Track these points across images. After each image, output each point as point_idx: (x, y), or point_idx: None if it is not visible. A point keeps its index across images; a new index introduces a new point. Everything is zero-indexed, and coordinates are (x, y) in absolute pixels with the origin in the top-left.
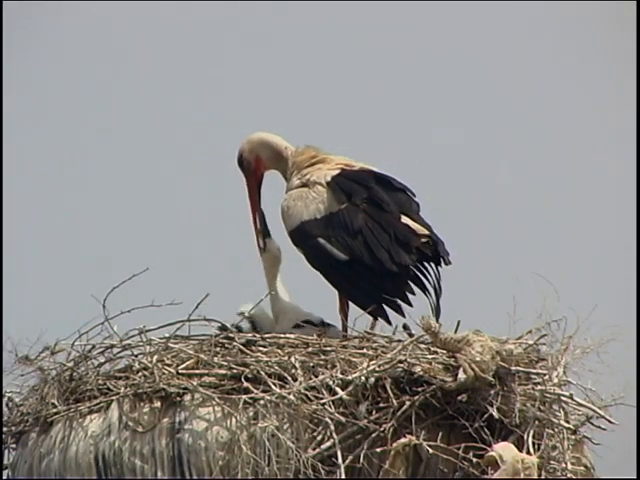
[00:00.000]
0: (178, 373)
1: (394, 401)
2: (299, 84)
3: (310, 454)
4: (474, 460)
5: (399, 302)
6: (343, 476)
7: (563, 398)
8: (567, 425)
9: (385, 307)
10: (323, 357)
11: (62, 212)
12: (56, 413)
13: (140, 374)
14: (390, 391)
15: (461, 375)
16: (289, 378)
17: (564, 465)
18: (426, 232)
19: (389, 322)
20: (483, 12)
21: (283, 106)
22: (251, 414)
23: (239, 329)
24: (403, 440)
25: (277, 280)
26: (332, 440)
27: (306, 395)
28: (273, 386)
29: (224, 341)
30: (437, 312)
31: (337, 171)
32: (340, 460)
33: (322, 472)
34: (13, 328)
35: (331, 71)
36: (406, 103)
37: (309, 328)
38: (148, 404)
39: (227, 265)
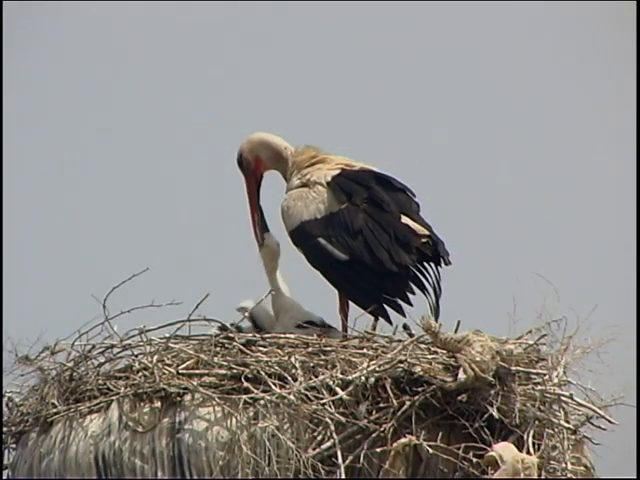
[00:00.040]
0: (178, 373)
1: (394, 401)
2: (299, 84)
3: (310, 454)
4: (474, 460)
5: (399, 302)
6: (343, 476)
7: (563, 398)
8: (567, 425)
9: (385, 307)
10: (323, 357)
11: (62, 212)
12: (56, 413)
13: (140, 374)
14: (390, 391)
15: (461, 375)
16: (289, 378)
17: (564, 465)
18: (426, 232)
19: (390, 322)
20: (483, 12)
21: (283, 106)
22: (251, 414)
23: (239, 329)
24: (403, 440)
25: (277, 274)
26: (332, 440)
27: (306, 395)
28: (273, 386)
29: (224, 341)
30: (436, 312)
31: (337, 171)
32: (340, 460)
33: (322, 472)
34: (13, 328)
35: (331, 71)
36: (406, 103)
37: (311, 329)
38: (148, 404)
39: (227, 265)
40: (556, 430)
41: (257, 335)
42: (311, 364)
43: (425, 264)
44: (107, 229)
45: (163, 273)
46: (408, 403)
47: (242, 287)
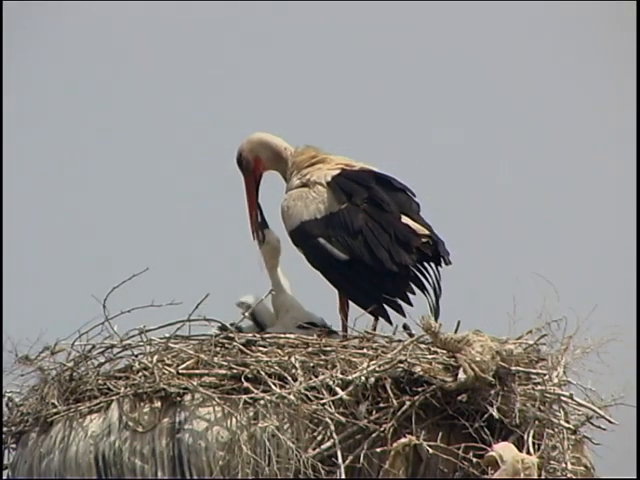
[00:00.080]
0: (178, 373)
1: (394, 401)
2: (299, 84)
3: (310, 454)
4: (474, 460)
5: (399, 302)
6: (343, 476)
7: (563, 398)
8: (567, 425)
9: (385, 307)
10: (323, 357)
11: (62, 212)
12: (56, 413)
13: (140, 374)
14: (390, 391)
15: (461, 375)
16: (289, 378)
17: (564, 465)
18: (426, 232)
19: (390, 322)
20: (483, 12)
21: (283, 106)
22: (251, 414)
23: (239, 329)
24: (403, 440)
25: (278, 271)
26: (332, 440)
27: (306, 395)
28: (273, 386)
29: (224, 341)
30: (436, 312)
31: (337, 171)
32: (340, 460)
33: (322, 472)
34: (13, 328)
35: (331, 71)
36: (406, 103)
37: (313, 330)
38: (148, 404)
39: (227, 265)
40: (556, 430)
41: (257, 335)
42: (311, 364)
43: (425, 264)
44: (107, 229)
45: (163, 273)
46: (408, 403)
47: (242, 287)
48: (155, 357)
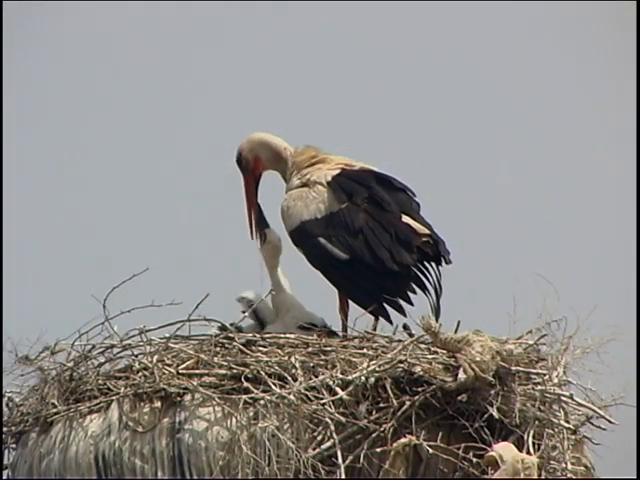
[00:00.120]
0: (178, 373)
1: (394, 401)
2: (299, 84)
3: (310, 454)
4: (474, 460)
5: (400, 301)
6: (343, 476)
7: (563, 398)
8: (567, 425)
9: (386, 306)
10: (323, 357)
11: (62, 212)
12: (56, 413)
13: (140, 374)
14: (390, 391)
15: (461, 375)
16: (289, 378)
17: (564, 465)
18: (427, 231)
19: (390, 321)
20: (483, 12)
21: (283, 106)
22: (251, 414)
23: (239, 329)
24: (403, 440)
25: (278, 271)
26: (332, 440)
27: (306, 395)
28: (273, 386)
29: (224, 341)
30: (437, 312)
31: (337, 171)
32: (340, 460)
33: (322, 472)
34: (13, 328)
35: (331, 71)
36: (406, 103)
37: (313, 330)
38: (148, 404)
39: (227, 265)
40: (556, 430)
41: (257, 335)
42: (311, 364)
43: (426, 263)
44: (107, 229)
45: (163, 273)
46: (408, 403)
47: (242, 287)
48: (155, 357)
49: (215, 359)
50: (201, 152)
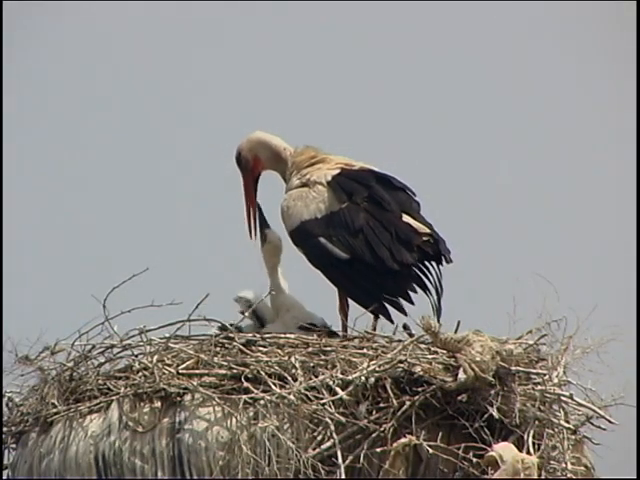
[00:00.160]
0: (178, 373)
1: (394, 401)
2: (299, 84)
3: (310, 454)
4: (474, 460)
5: (401, 301)
6: (343, 476)
7: (563, 398)
8: (567, 425)
9: (387, 306)
10: (323, 357)
11: (62, 212)
12: (56, 413)
13: (140, 374)
14: (390, 391)
15: (461, 375)
16: (289, 378)
17: (564, 465)
18: (427, 230)
19: (391, 321)
20: (483, 12)
21: (283, 106)
22: (251, 414)
23: (239, 329)
24: (403, 440)
25: (278, 271)
26: (332, 440)
27: (306, 395)
28: (273, 386)
29: (224, 341)
30: (438, 311)
31: (337, 170)
32: (340, 460)
33: (322, 472)
34: (13, 328)
35: (331, 71)
36: (406, 103)
37: (314, 330)
38: (148, 404)
39: (227, 265)
40: (556, 430)
41: (257, 335)
42: (311, 364)
43: (427, 262)
44: (107, 229)
45: (163, 273)
46: (408, 403)
47: (242, 287)
48: (155, 357)
49: (215, 359)
50: (201, 152)
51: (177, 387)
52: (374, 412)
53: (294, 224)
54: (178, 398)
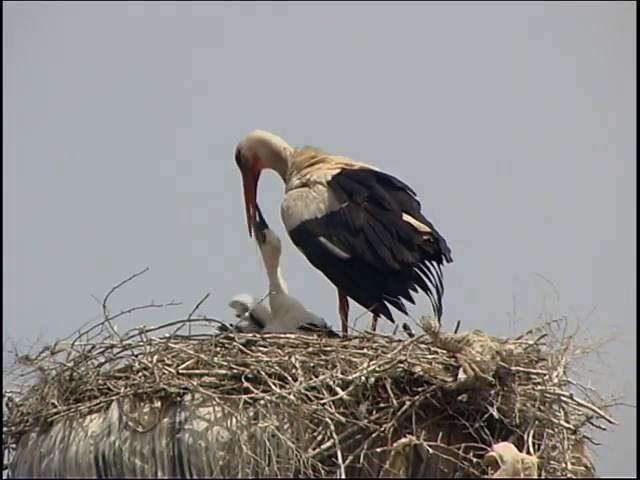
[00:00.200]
0: (178, 373)
1: (394, 401)
2: (299, 84)
3: (310, 454)
4: (474, 460)
5: (402, 300)
6: (343, 476)
7: (563, 398)
8: (567, 425)
9: (388, 305)
10: (323, 357)
11: (62, 212)
12: (56, 413)
13: (140, 374)
14: (390, 391)
15: (461, 375)
16: (289, 378)
17: (564, 465)
18: (428, 229)
19: (392, 320)
20: (483, 12)
21: (283, 106)
22: (251, 414)
23: (239, 329)
24: (403, 440)
25: (277, 271)
26: (332, 440)
27: (306, 395)
28: (273, 386)
29: (224, 341)
30: (439, 310)
31: (337, 170)
32: (340, 460)
33: (322, 472)
34: (13, 328)
35: (331, 71)
36: (406, 103)
37: (314, 331)
38: (148, 404)
39: (227, 265)
40: (556, 430)
41: (257, 335)
42: (311, 364)
43: (427, 262)
44: (107, 229)
45: (163, 273)
46: (408, 403)
47: (242, 287)
48: (155, 357)
49: (215, 359)
50: (201, 152)
51: (177, 387)
52: (374, 412)
53: (294, 224)
54: (178, 398)
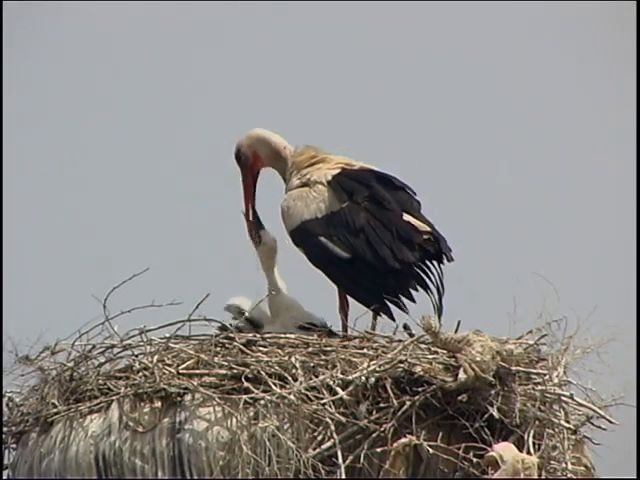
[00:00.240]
0: (178, 373)
1: (394, 401)
2: (299, 84)
3: (310, 454)
4: (474, 460)
5: (402, 299)
6: (343, 476)
7: (563, 398)
8: (567, 425)
9: (388, 304)
10: (323, 357)
11: (62, 212)
12: (56, 413)
13: (140, 374)
14: (390, 391)
15: (461, 375)
16: (289, 378)
17: (564, 465)
18: (428, 229)
19: (393, 319)
20: (483, 12)
21: (283, 106)
22: (251, 414)
23: (239, 329)
24: (403, 440)
25: (275, 272)
26: (332, 440)
27: (306, 395)
28: (273, 386)
29: (224, 341)
30: (439, 310)
31: (337, 170)
32: (340, 460)
33: (322, 472)
34: (13, 328)
35: (331, 71)
36: (406, 103)
37: (313, 330)
38: (148, 404)
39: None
40: (556, 430)
41: (257, 335)
42: (311, 364)
43: (428, 261)
44: (107, 229)
45: (163, 273)
46: (408, 403)
47: (242, 287)
48: (155, 357)
49: (215, 359)
50: (201, 152)
51: (177, 387)
52: (374, 412)
53: (294, 224)
54: (178, 398)
